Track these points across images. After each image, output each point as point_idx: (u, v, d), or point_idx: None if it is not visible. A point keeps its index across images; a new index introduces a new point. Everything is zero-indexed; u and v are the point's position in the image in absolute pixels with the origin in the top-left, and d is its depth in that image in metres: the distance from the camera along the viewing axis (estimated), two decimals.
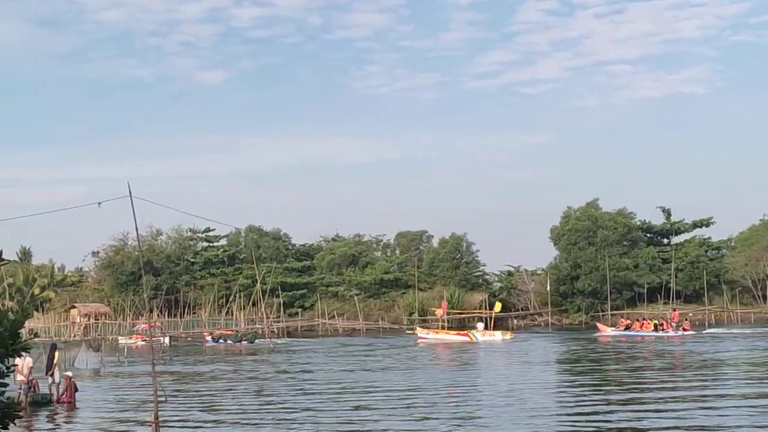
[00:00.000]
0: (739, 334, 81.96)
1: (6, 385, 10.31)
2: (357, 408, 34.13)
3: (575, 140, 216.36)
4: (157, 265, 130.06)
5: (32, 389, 38.27)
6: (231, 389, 44.14)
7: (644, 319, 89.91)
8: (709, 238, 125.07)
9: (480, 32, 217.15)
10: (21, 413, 10.25)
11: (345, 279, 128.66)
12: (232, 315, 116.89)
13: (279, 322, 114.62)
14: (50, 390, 39.23)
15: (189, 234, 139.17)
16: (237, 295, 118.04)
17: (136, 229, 25.46)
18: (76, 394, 38.42)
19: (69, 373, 39.66)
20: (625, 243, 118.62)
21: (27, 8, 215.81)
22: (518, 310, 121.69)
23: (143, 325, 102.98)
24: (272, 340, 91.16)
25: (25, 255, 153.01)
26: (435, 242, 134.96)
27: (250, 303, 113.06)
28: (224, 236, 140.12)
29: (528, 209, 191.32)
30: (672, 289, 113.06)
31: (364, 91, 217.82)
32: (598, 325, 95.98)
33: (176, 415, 32.64)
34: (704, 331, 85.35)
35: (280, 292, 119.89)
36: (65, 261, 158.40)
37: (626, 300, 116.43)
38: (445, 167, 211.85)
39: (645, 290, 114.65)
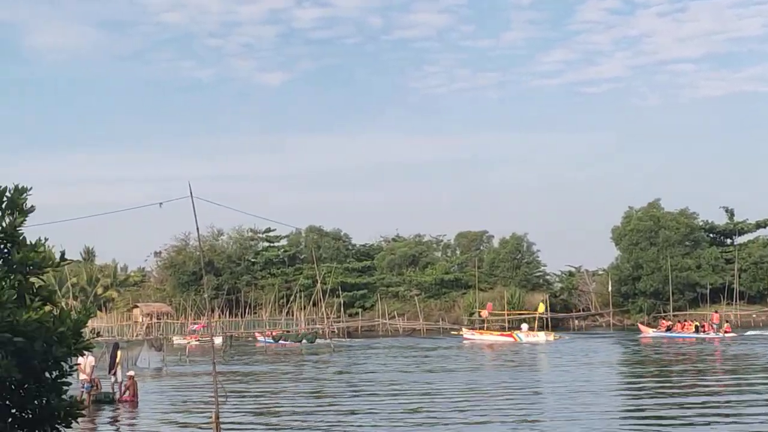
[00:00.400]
0: None
1: (69, 383, 10.41)
2: (415, 411, 34.09)
3: (638, 140, 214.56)
4: (218, 265, 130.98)
5: (95, 388, 38.70)
6: (289, 390, 44.28)
7: (685, 321, 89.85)
8: None
9: (541, 31, 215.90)
10: (84, 412, 10.34)
11: (405, 279, 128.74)
12: (292, 315, 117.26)
13: (339, 322, 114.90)
14: (113, 389, 39.62)
15: (250, 234, 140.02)
16: (297, 295, 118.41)
17: (197, 229, 25.62)
18: (138, 393, 38.80)
19: (131, 373, 40.05)
20: (687, 243, 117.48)
21: (91, 11, 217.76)
22: (579, 310, 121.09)
23: (197, 326, 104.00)
24: (332, 340, 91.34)
25: (89, 255, 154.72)
26: (495, 242, 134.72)
27: (311, 303, 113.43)
28: (285, 236, 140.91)
29: (589, 209, 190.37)
30: (735, 289, 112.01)
31: (424, 91, 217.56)
32: (640, 326, 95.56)
33: (236, 415, 32.84)
34: (746, 333, 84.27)
35: (340, 292, 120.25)
36: (128, 261, 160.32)
37: (689, 301, 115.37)
38: (507, 167, 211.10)
39: (708, 291, 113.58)
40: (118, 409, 37.07)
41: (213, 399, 23.69)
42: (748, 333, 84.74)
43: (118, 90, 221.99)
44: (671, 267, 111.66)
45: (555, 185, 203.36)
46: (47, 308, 9.83)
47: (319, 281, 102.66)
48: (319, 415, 33.27)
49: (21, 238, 9.99)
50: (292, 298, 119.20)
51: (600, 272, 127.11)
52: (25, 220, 10.10)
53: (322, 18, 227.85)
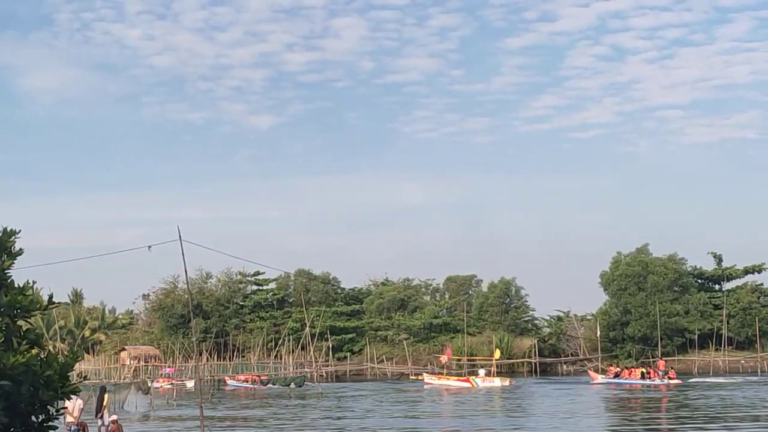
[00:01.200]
0: (723, 383, 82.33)
1: (55, 428, 10.41)
2: None
3: (626, 185, 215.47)
4: (206, 308, 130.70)
5: (82, 431, 38.51)
6: None
7: (632, 368, 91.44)
8: (762, 284, 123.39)
9: (531, 76, 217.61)
10: None
11: (394, 323, 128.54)
12: (281, 359, 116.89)
13: (328, 366, 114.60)
14: None
15: (238, 277, 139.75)
16: (286, 338, 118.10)
17: (186, 272, 25.72)
18: None
19: (114, 417, 39.78)
20: (675, 289, 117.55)
21: (84, 54, 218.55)
22: (568, 355, 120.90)
23: (169, 369, 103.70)
24: (320, 384, 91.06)
25: (77, 297, 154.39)
26: (484, 287, 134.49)
27: (299, 347, 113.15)
28: (273, 279, 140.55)
29: (578, 254, 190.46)
30: (723, 335, 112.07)
31: (415, 135, 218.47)
32: (590, 372, 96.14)
33: None
34: (690, 380, 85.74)
35: (329, 336, 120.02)
36: (116, 303, 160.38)
37: (677, 346, 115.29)
38: (496, 211, 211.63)
39: (696, 336, 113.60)
40: None
41: None
42: (692, 380, 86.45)
43: (110, 132, 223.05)
44: (659, 312, 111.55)
45: (544, 229, 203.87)
46: (34, 351, 9.84)
47: (307, 325, 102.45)
48: None
49: (9, 281, 10.02)
50: (280, 342, 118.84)
51: (588, 317, 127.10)
52: (13, 263, 10.14)
53: (312, 61, 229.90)
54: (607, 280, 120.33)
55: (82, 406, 37.71)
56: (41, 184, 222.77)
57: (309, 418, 53.22)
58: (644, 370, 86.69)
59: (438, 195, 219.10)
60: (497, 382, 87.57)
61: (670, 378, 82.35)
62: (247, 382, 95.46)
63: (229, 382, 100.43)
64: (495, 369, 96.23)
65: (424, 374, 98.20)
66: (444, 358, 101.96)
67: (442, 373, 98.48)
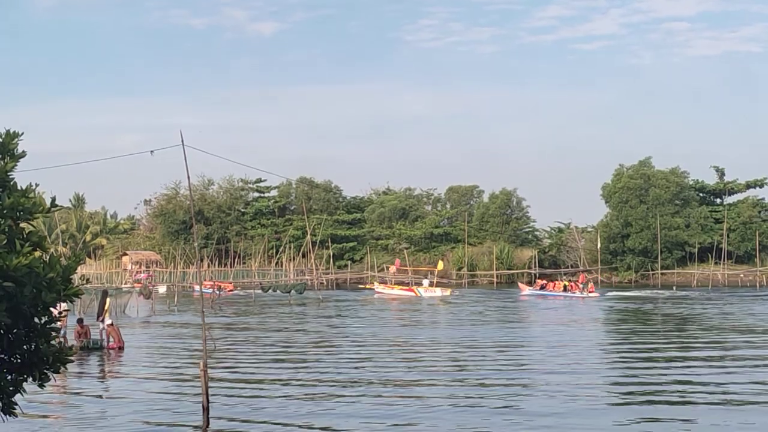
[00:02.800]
0: (634, 297, 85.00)
1: (58, 329, 10.45)
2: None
3: (630, 98, 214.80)
4: (208, 215, 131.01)
5: (84, 336, 38.87)
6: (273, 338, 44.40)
7: (555, 280, 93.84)
8: (763, 199, 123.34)
9: None
10: (72, 358, 10.39)
11: (395, 232, 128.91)
12: (282, 266, 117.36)
13: (328, 274, 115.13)
14: (101, 336, 39.67)
15: (240, 184, 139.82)
16: (287, 246, 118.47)
17: (188, 177, 25.58)
18: (122, 340, 38.93)
19: (108, 321, 39.99)
20: (677, 202, 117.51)
21: None
22: (568, 267, 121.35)
23: (143, 275, 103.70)
24: (321, 291, 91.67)
25: (79, 202, 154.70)
26: (486, 197, 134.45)
27: (300, 254, 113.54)
28: (275, 187, 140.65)
29: (580, 166, 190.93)
30: (723, 249, 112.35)
31: (419, 44, 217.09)
32: (520, 284, 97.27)
33: (223, 363, 33.00)
34: (607, 293, 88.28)
35: (330, 244, 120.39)
36: (118, 208, 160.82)
37: (677, 259, 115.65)
38: (500, 122, 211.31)
39: (696, 250, 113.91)
40: (106, 356, 37.12)
41: (201, 348, 23.76)
42: (609, 294, 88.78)
43: (112, 37, 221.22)
44: (660, 225, 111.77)
45: (547, 141, 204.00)
46: (37, 253, 9.84)
47: (309, 233, 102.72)
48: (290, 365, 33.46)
49: (12, 183, 9.98)
50: (281, 249, 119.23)
51: (589, 229, 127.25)
52: (16, 165, 10.09)
53: None
54: (608, 192, 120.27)
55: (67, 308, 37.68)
56: (40, 88, 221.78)
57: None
58: (566, 283, 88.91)
59: (441, 105, 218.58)
60: (438, 292, 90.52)
61: (589, 292, 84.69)
62: (213, 288, 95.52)
63: (195, 287, 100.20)
64: (437, 280, 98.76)
65: (375, 283, 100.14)
66: (393, 269, 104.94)
67: (390, 283, 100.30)
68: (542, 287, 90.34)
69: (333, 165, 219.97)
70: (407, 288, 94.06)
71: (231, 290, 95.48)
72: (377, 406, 24.26)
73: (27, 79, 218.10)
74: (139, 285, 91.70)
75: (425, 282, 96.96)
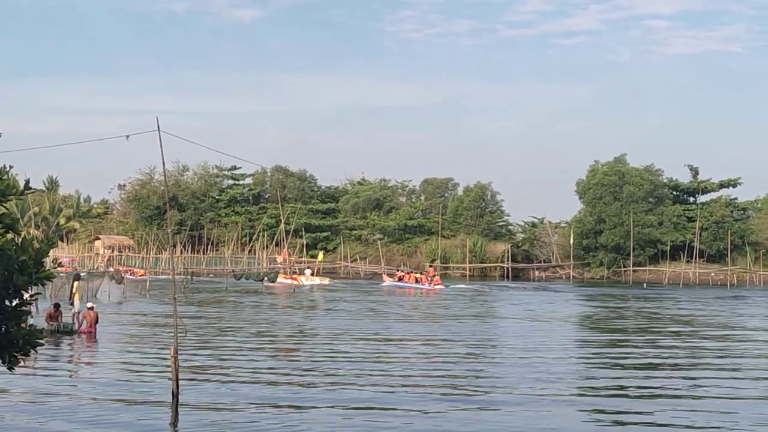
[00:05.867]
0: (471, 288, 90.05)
1: (29, 312, 10.42)
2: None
3: (607, 94, 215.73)
4: (182, 201, 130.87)
5: (56, 318, 38.62)
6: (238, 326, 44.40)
7: (410, 272, 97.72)
8: (736, 198, 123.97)
9: None
10: (42, 341, 10.36)
11: (369, 223, 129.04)
12: (254, 253, 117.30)
13: (301, 263, 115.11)
14: (73, 320, 39.48)
15: (215, 171, 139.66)
16: (260, 234, 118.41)
17: (163, 163, 25.56)
18: (97, 325, 38.70)
19: (90, 304, 39.90)
20: (650, 200, 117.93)
21: None
22: (540, 261, 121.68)
23: (66, 259, 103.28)
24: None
25: (52, 185, 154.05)
26: (461, 190, 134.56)
27: (273, 243, 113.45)
28: (250, 175, 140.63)
29: (555, 161, 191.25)
30: (695, 248, 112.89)
31: (400, 35, 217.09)
32: (383, 276, 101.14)
33: (193, 347, 32.96)
34: (452, 286, 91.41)
35: (303, 233, 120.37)
36: (91, 192, 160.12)
37: (649, 257, 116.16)
38: (477, 115, 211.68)
39: (668, 248, 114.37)
40: (77, 340, 36.93)
41: (172, 333, 23.74)
42: (455, 286, 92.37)
43: (91, 19, 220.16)
44: (633, 222, 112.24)
45: (524, 136, 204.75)
46: (9, 236, 9.81)
47: (282, 221, 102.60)
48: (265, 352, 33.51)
49: None
50: (255, 237, 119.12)
51: (563, 225, 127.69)
52: None
53: None
54: (583, 188, 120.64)
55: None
56: (15, 68, 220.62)
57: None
58: (417, 276, 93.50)
59: (420, 96, 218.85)
60: (317, 281, 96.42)
61: (435, 284, 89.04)
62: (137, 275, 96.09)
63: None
64: (318, 269, 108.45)
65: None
66: (280, 258, 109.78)
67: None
68: (400, 279, 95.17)
69: (308, 154, 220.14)
70: (290, 277, 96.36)
71: (142, 275, 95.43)
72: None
73: (1, 57, 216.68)
74: (65, 269, 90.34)
75: (307, 272, 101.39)
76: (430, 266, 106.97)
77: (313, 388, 25.43)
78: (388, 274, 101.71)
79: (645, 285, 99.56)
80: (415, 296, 77.00)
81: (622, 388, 26.20)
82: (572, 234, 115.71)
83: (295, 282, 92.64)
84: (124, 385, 25.50)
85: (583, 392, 25.42)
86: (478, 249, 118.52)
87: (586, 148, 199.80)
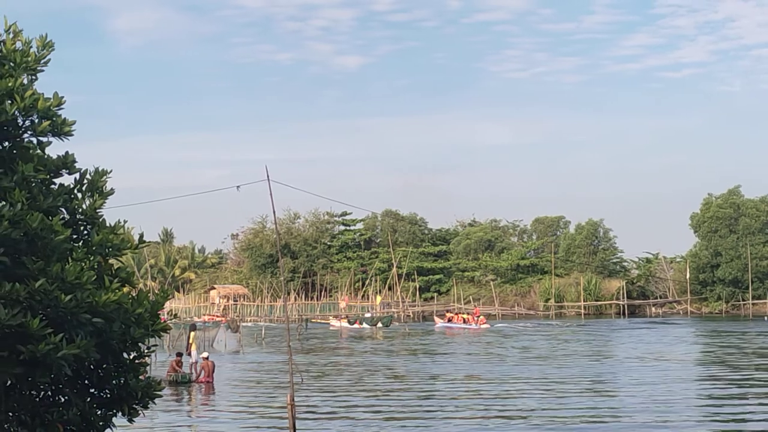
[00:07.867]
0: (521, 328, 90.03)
1: (146, 365, 10.55)
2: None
3: (718, 125, 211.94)
4: (294, 248, 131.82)
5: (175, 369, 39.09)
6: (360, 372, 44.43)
7: (457, 314, 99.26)
8: None
9: (622, 15, 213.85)
10: (160, 393, 10.48)
11: (481, 264, 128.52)
12: (368, 299, 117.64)
13: (415, 306, 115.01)
14: (190, 369, 39.95)
15: (326, 218, 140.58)
16: (373, 278, 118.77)
17: (274, 212, 25.78)
18: (214, 374, 39.09)
19: (205, 354, 40.36)
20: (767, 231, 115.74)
21: None
22: (656, 297, 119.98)
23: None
24: (407, 324, 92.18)
25: (167, 236, 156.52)
26: (572, 228, 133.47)
27: (386, 287, 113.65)
28: (361, 220, 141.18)
29: (667, 195, 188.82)
30: None
31: (503, 75, 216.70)
32: (435, 318, 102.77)
33: (311, 397, 33.04)
34: (495, 325, 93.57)
35: (416, 277, 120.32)
36: (205, 243, 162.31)
37: None
38: (584, 151, 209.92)
39: None
40: (194, 390, 37.33)
41: (288, 382, 23.84)
42: (497, 325, 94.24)
43: (197, 73, 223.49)
44: (751, 255, 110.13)
45: (634, 170, 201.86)
46: (125, 289, 9.97)
47: (394, 265, 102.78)
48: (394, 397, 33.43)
49: (101, 220, 10.13)
50: (367, 282, 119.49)
51: (678, 259, 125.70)
52: (105, 203, 10.24)
53: (400, 0, 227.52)
54: (697, 221, 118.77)
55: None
56: (126, 124, 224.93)
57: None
58: (465, 317, 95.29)
59: (524, 135, 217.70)
60: (380, 324, 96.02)
61: (481, 323, 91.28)
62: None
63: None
64: (379, 312, 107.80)
65: (331, 318, 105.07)
66: (343, 303, 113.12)
67: (342, 317, 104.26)
68: (449, 320, 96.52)
69: (417, 197, 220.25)
70: (356, 322, 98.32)
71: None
72: None
73: (111, 115, 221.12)
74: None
75: (367, 315, 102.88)
76: (476, 307, 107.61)
77: None
78: (438, 316, 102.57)
79: (766, 318, 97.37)
80: (463, 335, 78.99)
81: None
82: (688, 268, 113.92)
83: (358, 326, 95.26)
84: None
85: None
86: (593, 287, 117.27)
87: (698, 180, 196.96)
